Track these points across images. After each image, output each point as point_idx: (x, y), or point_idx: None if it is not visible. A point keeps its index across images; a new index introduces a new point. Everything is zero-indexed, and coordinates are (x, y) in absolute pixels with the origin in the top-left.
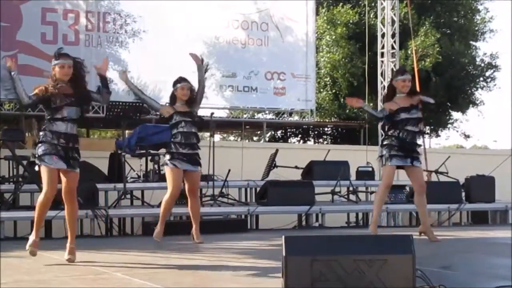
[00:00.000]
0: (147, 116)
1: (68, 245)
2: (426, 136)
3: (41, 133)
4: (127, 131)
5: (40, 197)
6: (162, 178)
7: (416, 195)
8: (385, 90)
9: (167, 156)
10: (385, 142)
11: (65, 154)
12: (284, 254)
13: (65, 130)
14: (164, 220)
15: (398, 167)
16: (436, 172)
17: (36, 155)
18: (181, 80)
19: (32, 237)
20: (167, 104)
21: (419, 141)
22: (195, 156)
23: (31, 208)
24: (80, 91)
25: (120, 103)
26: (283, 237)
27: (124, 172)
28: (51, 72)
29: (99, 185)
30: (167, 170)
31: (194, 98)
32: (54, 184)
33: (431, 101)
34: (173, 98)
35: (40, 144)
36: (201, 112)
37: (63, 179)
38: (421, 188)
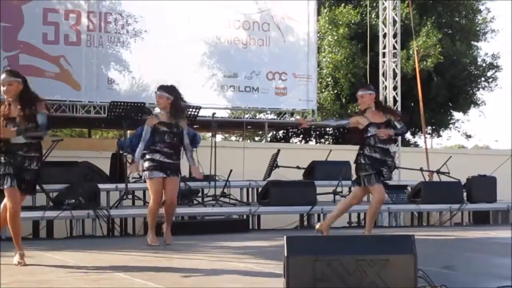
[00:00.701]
0: (149, 116)
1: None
2: (428, 136)
3: None
4: (128, 131)
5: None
6: None
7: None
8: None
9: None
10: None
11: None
12: (286, 254)
13: None
14: (153, 225)
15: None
16: (438, 172)
17: None
18: (159, 88)
19: None
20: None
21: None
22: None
23: (32, 208)
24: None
25: (122, 104)
26: (285, 237)
27: (126, 172)
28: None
29: (100, 185)
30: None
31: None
32: None
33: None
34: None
35: None
36: (203, 112)
37: None
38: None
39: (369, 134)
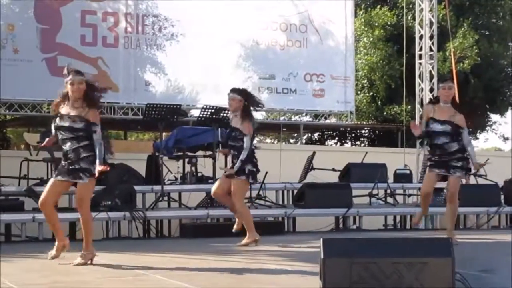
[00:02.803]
0: (185, 118)
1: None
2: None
3: None
4: (164, 133)
5: None
6: (199, 180)
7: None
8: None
9: None
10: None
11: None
12: (322, 256)
13: None
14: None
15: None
16: (475, 174)
17: None
18: (231, 90)
19: None
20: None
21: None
22: None
23: (68, 210)
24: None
25: (158, 105)
26: (322, 239)
27: (162, 174)
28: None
29: (136, 187)
30: None
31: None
32: None
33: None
34: None
35: None
36: None
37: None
38: (450, 196)
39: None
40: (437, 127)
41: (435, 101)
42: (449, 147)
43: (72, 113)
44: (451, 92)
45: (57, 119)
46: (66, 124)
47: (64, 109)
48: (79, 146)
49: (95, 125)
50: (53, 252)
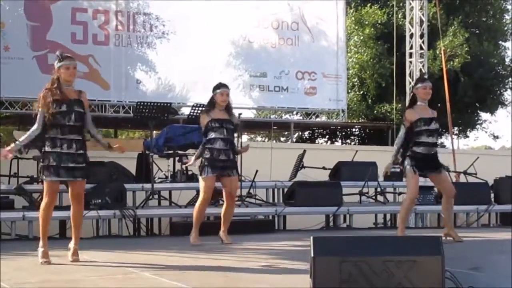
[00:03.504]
0: (175, 116)
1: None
2: (454, 137)
3: None
4: (154, 132)
5: None
6: (190, 179)
7: (444, 199)
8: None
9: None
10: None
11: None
12: (312, 254)
13: None
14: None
15: (421, 175)
16: (465, 173)
17: None
18: (220, 85)
19: None
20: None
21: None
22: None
23: (60, 208)
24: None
25: (148, 104)
26: (312, 237)
27: (152, 173)
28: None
29: (127, 185)
30: (202, 179)
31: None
32: None
33: None
34: (212, 103)
35: None
36: None
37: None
38: (450, 192)
39: (419, 129)
40: (430, 126)
41: (412, 102)
42: (434, 146)
43: (72, 97)
44: (431, 92)
45: (54, 106)
46: (73, 107)
47: (60, 95)
48: (77, 139)
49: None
50: (47, 259)
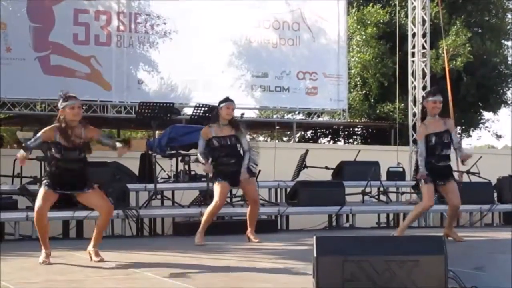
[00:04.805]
0: (178, 116)
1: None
2: (458, 136)
3: None
4: (157, 132)
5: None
6: (193, 179)
7: (450, 209)
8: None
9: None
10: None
11: None
12: (315, 254)
13: None
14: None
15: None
16: (468, 172)
17: None
18: (227, 99)
19: None
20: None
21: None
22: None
23: (63, 208)
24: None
25: (151, 104)
26: (315, 237)
27: (155, 173)
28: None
29: (130, 186)
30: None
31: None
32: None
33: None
34: (216, 117)
35: None
36: None
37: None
38: (453, 206)
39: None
40: (442, 139)
41: (423, 115)
42: (448, 157)
43: (77, 141)
44: (440, 106)
45: (61, 150)
46: (75, 154)
47: (64, 138)
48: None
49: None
50: (46, 260)
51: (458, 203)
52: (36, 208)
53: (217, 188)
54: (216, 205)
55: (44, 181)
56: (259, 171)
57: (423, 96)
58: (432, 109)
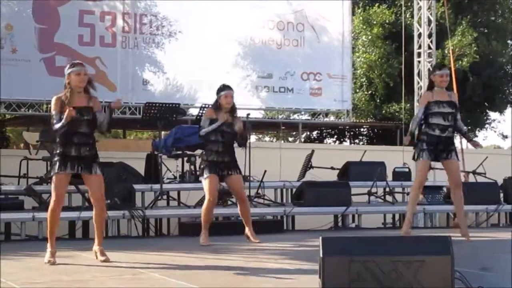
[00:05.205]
0: (184, 117)
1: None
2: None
3: None
4: (163, 132)
5: None
6: (198, 179)
7: (452, 190)
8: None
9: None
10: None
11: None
12: (321, 255)
13: None
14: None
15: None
16: (474, 173)
17: None
18: (224, 87)
19: None
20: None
21: (452, 135)
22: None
23: (69, 208)
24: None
25: (157, 104)
26: (321, 237)
27: (161, 173)
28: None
29: (136, 186)
30: (204, 179)
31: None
32: None
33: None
34: (217, 106)
35: None
36: (237, 113)
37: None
38: (453, 183)
39: (431, 111)
40: (444, 108)
41: (430, 87)
42: (449, 128)
43: (83, 104)
44: (447, 79)
45: (71, 111)
46: (84, 116)
47: (71, 101)
48: (92, 142)
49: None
50: (51, 259)
51: (458, 182)
52: (52, 197)
53: (205, 183)
54: (209, 201)
55: (55, 165)
56: (265, 171)
57: (429, 70)
58: (440, 82)
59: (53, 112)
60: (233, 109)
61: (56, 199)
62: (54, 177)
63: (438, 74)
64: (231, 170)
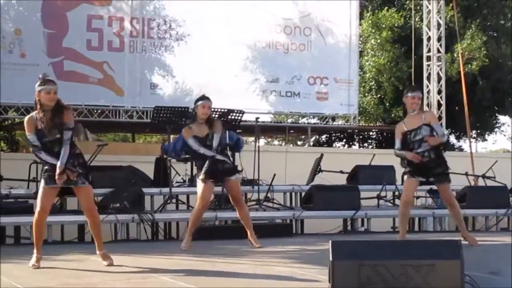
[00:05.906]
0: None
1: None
2: (473, 140)
3: None
4: (172, 136)
5: None
6: None
7: (448, 208)
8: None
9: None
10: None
11: None
12: (331, 258)
13: None
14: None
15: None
16: (483, 176)
17: None
18: (202, 98)
19: None
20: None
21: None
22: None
23: (78, 212)
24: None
25: (166, 108)
26: (330, 241)
27: (170, 177)
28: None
29: (145, 190)
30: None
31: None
32: None
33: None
34: (194, 116)
35: None
36: (246, 117)
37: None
38: (449, 204)
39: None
40: (416, 136)
41: (404, 114)
42: (431, 153)
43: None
44: (419, 102)
45: (42, 134)
46: (56, 136)
47: (41, 120)
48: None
49: (68, 125)
50: (36, 264)
51: (451, 201)
52: (38, 208)
53: (199, 187)
54: (200, 206)
55: (43, 178)
56: (274, 175)
57: (403, 93)
58: (411, 105)
59: (27, 134)
60: (209, 120)
61: (41, 209)
62: (41, 189)
63: (410, 96)
64: (228, 174)
